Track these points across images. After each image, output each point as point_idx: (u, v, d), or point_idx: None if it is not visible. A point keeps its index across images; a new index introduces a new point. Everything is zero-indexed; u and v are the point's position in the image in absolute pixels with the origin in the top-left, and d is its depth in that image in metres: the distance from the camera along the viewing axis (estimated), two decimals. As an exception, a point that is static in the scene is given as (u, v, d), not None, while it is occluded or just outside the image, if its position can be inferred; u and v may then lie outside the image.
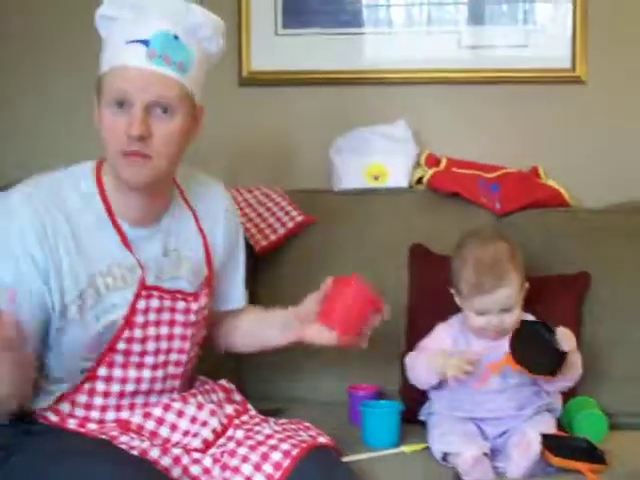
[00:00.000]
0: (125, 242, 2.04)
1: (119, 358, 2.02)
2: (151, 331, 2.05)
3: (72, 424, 2.02)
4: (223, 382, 2.27)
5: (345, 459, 2.12)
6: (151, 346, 2.06)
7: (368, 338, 2.15)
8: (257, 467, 1.95)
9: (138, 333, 2.03)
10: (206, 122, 3.04)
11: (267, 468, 1.94)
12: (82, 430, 2.01)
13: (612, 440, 2.27)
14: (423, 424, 2.37)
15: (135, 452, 1.95)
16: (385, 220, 2.79)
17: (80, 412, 2.03)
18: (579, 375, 2.32)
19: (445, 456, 2.21)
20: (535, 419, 2.29)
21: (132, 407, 2.06)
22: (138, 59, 1.95)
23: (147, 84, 1.95)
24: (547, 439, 2.18)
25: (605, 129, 3.01)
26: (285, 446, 1.98)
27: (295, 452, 1.97)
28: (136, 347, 2.04)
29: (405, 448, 2.26)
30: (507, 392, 2.31)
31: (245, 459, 1.96)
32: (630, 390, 2.53)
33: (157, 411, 2.06)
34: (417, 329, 2.48)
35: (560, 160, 3.00)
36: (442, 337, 2.36)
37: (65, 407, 2.03)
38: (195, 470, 1.98)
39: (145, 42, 1.96)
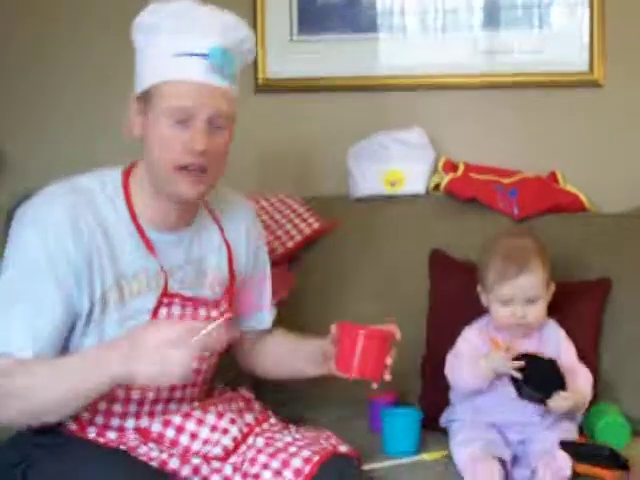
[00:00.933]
0: (149, 247, 2.03)
1: None
2: None
3: (91, 432, 2.01)
4: (242, 390, 2.26)
5: (365, 467, 2.11)
6: None
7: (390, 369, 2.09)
8: (277, 473, 1.94)
9: None
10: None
11: (287, 474, 1.94)
12: (101, 440, 2.00)
13: (635, 446, 2.25)
14: (443, 431, 2.36)
15: (154, 463, 1.95)
16: (403, 226, 2.78)
17: (100, 419, 2.02)
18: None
19: (466, 464, 2.18)
20: (556, 425, 2.28)
21: (152, 415, 2.05)
22: (198, 73, 1.96)
23: (209, 98, 1.96)
24: (568, 446, 2.16)
25: (623, 133, 2.99)
26: (306, 453, 1.97)
27: (316, 459, 1.96)
28: None
29: (426, 455, 2.25)
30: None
31: (265, 466, 1.96)
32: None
33: (177, 419, 2.05)
34: (438, 335, 2.47)
35: (578, 165, 2.98)
36: (473, 340, 2.36)
37: (85, 414, 2.01)
38: (215, 479, 1.98)
39: (204, 56, 1.96)
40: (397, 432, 2.28)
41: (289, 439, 2.04)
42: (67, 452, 1.95)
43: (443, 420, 2.37)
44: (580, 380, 2.32)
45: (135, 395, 2.03)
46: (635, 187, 2.93)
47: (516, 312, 2.31)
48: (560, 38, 2.99)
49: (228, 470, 1.99)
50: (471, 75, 3.03)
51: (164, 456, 1.97)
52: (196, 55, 1.97)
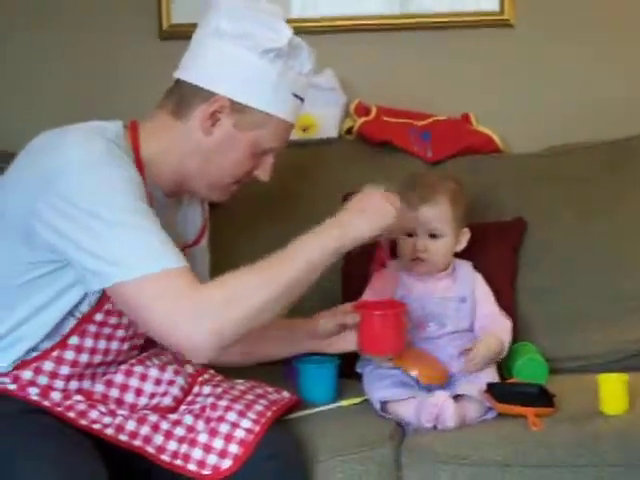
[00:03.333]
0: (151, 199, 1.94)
1: (92, 328, 1.95)
2: (124, 311, 1.97)
3: (33, 393, 1.93)
4: None
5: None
6: (126, 320, 1.98)
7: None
8: (241, 414, 1.95)
9: (118, 305, 1.95)
10: (128, 76, 3.01)
11: (251, 415, 1.95)
12: (46, 403, 1.92)
13: (553, 384, 2.25)
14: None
15: (110, 430, 1.92)
16: (316, 172, 2.76)
17: (43, 380, 1.94)
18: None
19: (383, 406, 2.18)
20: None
21: (94, 377, 2.00)
22: (296, 118, 2.04)
23: None
24: (495, 387, 2.17)
25: (534, 74, 2.97)
26: (264, 402, 2.02)
27: (274, 408, 2.01)
28: (112, 320, 1.96)
29: (344, 402, 2.23)
30: (444, 338, 2.30)
31: (228, 408, 1.95)
32: (569, 334, 2.53)
33: (119, 378, 2.02)
34: (353, 282, 2.43)
35: (491, 106, 2.97)
36: (378, 287, 2.32)
37: (27, 374, 1.93)
38: (179, 432, 1.95)
39: (302, 100, 2.03)
40: (313, 381, 2.25)
41: (242, 387, 2.06)
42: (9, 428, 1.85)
43: (359, 365, 2.35)
44: (498, 330, 2.32)
45: (83, 358, 1.96)
46: (547, 127, 2.92)
47: (417, 244, 2.30)
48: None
49: (189, 420, 1.96)
50: (382, 16, 2.99)
51: (118, 420, 1.94)
52: (301, 100, 2.02)
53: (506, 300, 2.47)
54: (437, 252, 2.32)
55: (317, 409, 2.19)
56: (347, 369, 2.32)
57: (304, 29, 2.91)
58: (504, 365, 2.38)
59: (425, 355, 2.26)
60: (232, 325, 1.80)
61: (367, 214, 1.94)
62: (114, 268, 1.78)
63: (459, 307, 2.33)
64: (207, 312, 1.78)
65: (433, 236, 2.32)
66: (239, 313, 1.80)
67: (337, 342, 2.26)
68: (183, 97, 1.98)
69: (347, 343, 2.23)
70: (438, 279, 2.36)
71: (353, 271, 2.46)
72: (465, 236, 2.38)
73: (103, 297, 1.92)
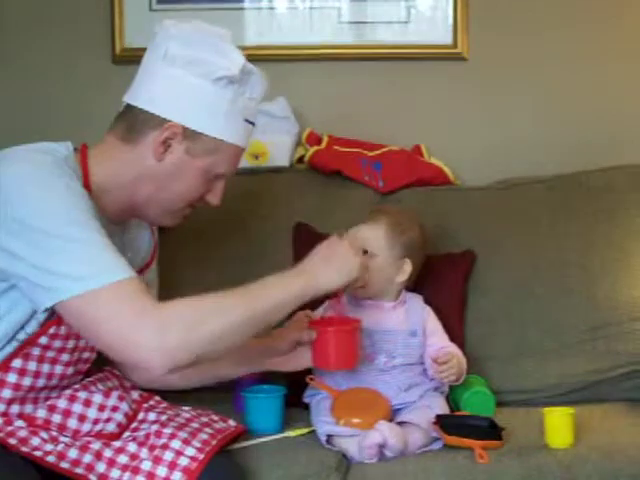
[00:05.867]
0: None
1: (36, 351, 1.93)
2: (75, 329, 1.94)
3: None
4: (110, 369, 2.18)
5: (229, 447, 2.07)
6: (71, 343, 1.97)
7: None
8: (186, 442, 1.92)
9: (63, 330, 1.93)
10: (80, 100, 2.99)
11: (196, 443, 1.92)
12: None
13: (500, 417, 2.25)
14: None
15: (51, 457, 1.88)
16: (267, 200, 2.74)
17: None
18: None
19: (329, 439, 2.17)
20: (425, 398, 2.27)
21: (36, 401, 1.98)
22: (248, 143, 2.05)
23: None
24: (444, 418, 2.17)
25: (486, 107, 3.00)
26: (209, 430, 2.00)
27: (219, 436, 1.99)
28: (57, 343, 1.94)
29: (291, 432, 2.21)
30: (392, 372, 2.29)
31: (173, 436, 1.93)
32: (515, 367, 2.53)
33: (62, 403, 1.99)
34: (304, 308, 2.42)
35: (442, 138, 2.99)
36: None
37: None
38: (122, 459, 1.91)
39: (253, 125, 2.04)
40: (259, 411, 2.24)
41: (188, 415, 2.04)
42: None
43: (306, 395, 2.34)
44: (455, 350, 2.34)
45: (26, 382, 1.93)
46: (498, 160, 2.94)
47: None
48: (425, 11, 2.97)
49: (132, 447, 1.93)
50: (336, 46, 2.99)
51: (60, 448, 1.90)
52: (252, 124, 2.03)
53: (455, 332, 2.48)
54: (372, 270, 2.29)
55: (263, 439, 2.17)
56: (294, 398, 2.31)
57: (258, 57, 2.90)
58: (452, 398, 2.38)
59: (365, 396, 2.25)
60: (197, 343, 1.79)
61: (334, 266, 1.99)
62: (67, 282, 1.76)
63: (408, 341, 2.33)
64: (173, 327, 1.77)
65: (365, 252, 2.29)
66: (205, 332, 1.80)
67: (293, 359, 2.24)
68: (134, 123, 1.96)
69: (302, 360, 2.22)
70: (386, 310, 2.36)
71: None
72: (406, 267, 2.37)
73: (49, 319, 1.90)
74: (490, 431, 2.16)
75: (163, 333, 1.76)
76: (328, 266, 1.98)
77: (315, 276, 1.96)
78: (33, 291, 1.80)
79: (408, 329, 2.34)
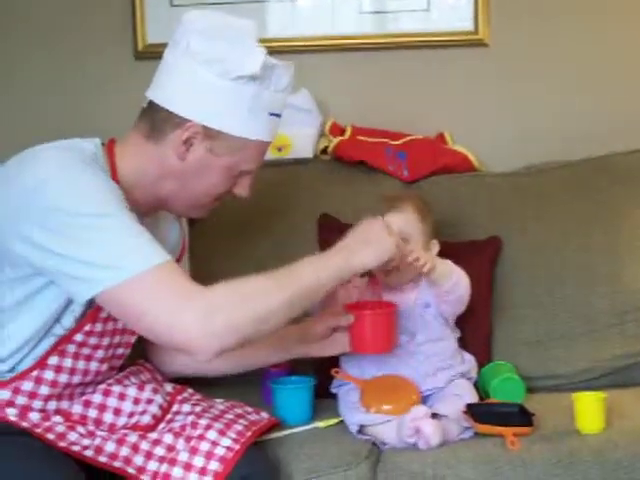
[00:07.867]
0: None
1: (72, 348, 1.95)
2: (109, 325, 1.98)
3: (12, 414, 1.91)
4: (142, 362, 2.20)
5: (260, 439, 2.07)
6: (106, 340, 1.99)
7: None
8: (222, 432, 1.95)
9: (99, 327, 1.96)
10: (103, 96, 3.00)
11: (231, 434, 1.95)
12: (24, 425, 1.89)
13: (529, 403, 2.25)
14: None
15: (89, 452, 1.89)
16: (291, 192, 2.74)
17: (22, 400, 1.93)
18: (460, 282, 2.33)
19: (361, 429, 2.17)
20: (454, 386, 2.28)
21: (71, 397, 2.00)
22: (275, 135, 2.02)
23: None
24: (474, 407, 2.17)
25: (509, 92, 2.98)
26: (244, 421, 2.02)
27: (254, 428, 2.01)
28: (92, 340, 1.96)
29: (320, 423, 2.22)
30: (418, 357, 2.29)
31: (209, 427, 1.95)
32: (544, 352, 2.52)
33: (97, 398, 2.02)
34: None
35: (466, 125, 2.97)
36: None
37: (4, 394, 1.92)
38: (159, 451, 1.94)
39: (279, 117, 2.00)
40: (288, 402, 2.24)
41: (222, 407, 2.07)
42: None
43: (334, 385, 2.34)
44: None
45: (62, 378, 1.95)
46: (522, 145, 2.93)
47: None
48: (445, -2, 2.97)
49: (169, 439, 1.95)
50: (358, 36, 2.99)
51: (97, 442, 1.92)
52: (278, 116, 1.99)
53: (483, 318, 2.48)
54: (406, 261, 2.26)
55: (293, 430, 2.18)
56: (321, 389, 2.31)
57: (280, 49, 2.93)
58: (481, 385, 2.38)
59: (392, 382, 2.25)
60: (243, 325, 1.80)
61: (371, 245, 2.00)
62: (105, 272, 1.77)
63: (424, 314, 2.33)
64: (219, 311, 1.78)
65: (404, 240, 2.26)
66: (251, 314, 1.81)
67: (329, 345, 2.25)
68: (156, 121, 1.96)
69: (339, 345, 2.23)
70: (403, 291, 2.35)
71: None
72: (435, 247, 2.37)
73: (84, 317, 1.92)
74: (521, 417, 2.16)
75: (210, 316, 1.77)
76: (365, 245, 2.00)
77: (352, 254, 1.97)
78: (71, 284, 1.81)
79: (421, 302, 2.34)
